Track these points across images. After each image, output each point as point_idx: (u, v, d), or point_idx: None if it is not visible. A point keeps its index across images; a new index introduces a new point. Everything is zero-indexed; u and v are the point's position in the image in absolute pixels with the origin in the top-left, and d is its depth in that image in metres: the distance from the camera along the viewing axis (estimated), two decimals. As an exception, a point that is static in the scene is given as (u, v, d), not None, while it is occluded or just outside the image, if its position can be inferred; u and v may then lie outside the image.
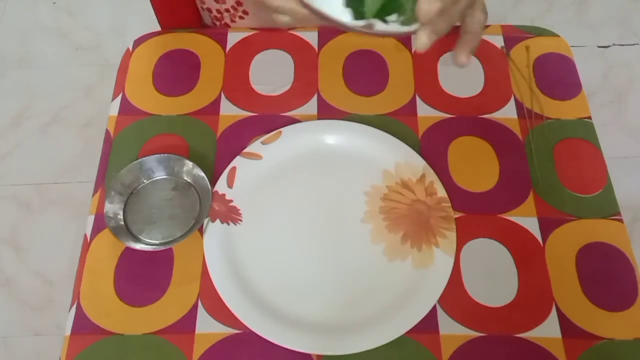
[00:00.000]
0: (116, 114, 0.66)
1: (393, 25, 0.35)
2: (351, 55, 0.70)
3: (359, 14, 0.34)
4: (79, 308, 0.55)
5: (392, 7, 0.34)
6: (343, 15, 0.34)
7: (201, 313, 0.54)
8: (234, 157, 0.62)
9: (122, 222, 0.58)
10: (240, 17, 0.77)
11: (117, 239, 0.56)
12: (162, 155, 0.61)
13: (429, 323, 0.53)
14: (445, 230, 0.57)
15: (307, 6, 0.37)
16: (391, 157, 0.62)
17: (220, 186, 0.60)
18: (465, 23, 0.45)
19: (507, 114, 0.66)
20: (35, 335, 1.24)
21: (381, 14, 0.34)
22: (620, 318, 0.54)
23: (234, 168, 0.61)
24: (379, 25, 0.34)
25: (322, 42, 0.71)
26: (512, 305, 0.55)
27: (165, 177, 0.61)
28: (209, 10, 0.79)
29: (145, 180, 0.60)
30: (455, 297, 0.55)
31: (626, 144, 1.44)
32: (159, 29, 0.76)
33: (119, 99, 0.67)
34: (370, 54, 0.70)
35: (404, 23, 0.35)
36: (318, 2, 0.35)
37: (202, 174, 0.59)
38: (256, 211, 0.59)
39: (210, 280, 0.55)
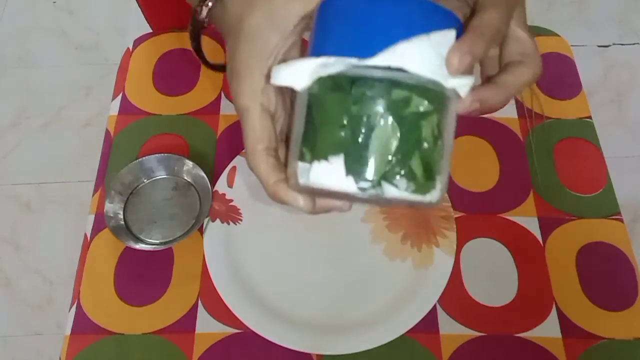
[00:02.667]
0: (116, 113, 0.66)
1: (404, 193, 0.31)
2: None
3: (363, 180, 0.30)
4: (79, 307, 0.55)
5: (399, 169, 0.31)
6: (347, 184, 0.31)
7: (201, 313, 0.54)
8: (234, 157, 0.62)
9: (122, 222, 0.58)
10: None
11: (117, 238, 0.56)
12: (162, 154, 0.61)
13: (429, 323, 0.53)
14: (445, 230, 0.57)
15: (307, 190, 0.34)
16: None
17: (221, 186, 0.60)
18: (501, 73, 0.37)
19: (507, 113, 0.66)
20: (35, 334, 1.24)
21: (389, 177, 0.31)
22: (620, 318, 0.54)
23: (234, 168, 0.61)
24: (389, 190, 0.30)
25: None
26: (512, 305, 0.55)
27: (165, 176, 0.61)
28: None
29: (145, 180, 0.60)
30: (455, 297, 0.55)
31: (626, 143, 1.44)
32: (159, 28, 0.76)
33: (119, 98, 0.67)
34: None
35: (415, 192, 0.31)
36: (317, 179, 0.32)
37: (202, 173, 0.59)
38: (256, 211, 0.59)
39: (210, 279, 0.55)
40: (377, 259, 0.57)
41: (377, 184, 0.31)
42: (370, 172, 0.31)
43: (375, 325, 0.53)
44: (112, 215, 0.58)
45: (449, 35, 0.31)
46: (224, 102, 0.67)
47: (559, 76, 0.69)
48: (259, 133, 0.36)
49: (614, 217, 0.59)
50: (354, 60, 0.30)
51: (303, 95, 0.33)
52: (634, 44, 1.61)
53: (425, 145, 0.31)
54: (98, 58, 1.60)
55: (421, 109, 0.31)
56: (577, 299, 0.55)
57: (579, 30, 1.62)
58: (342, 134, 0.31)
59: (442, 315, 0.54)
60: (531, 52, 0.37)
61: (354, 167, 0.31)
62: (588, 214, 0.60)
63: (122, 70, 0.70)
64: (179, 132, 0.65)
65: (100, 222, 0.59)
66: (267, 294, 0.55)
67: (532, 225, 0.59)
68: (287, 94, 0.38)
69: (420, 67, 0.30)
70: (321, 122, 0.32)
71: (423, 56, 0.30)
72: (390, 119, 0.30)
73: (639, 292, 0.56)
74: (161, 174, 0.61)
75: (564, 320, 0.54)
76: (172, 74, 0.69)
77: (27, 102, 1.52)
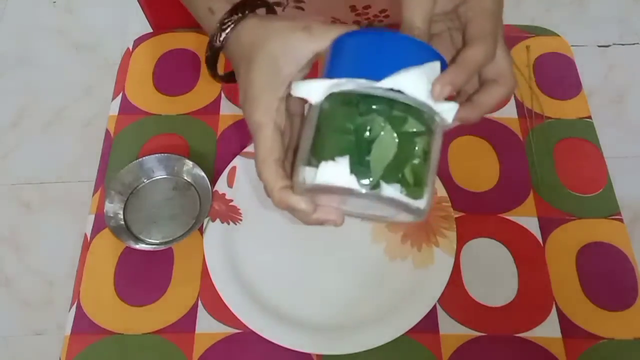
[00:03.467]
0: (116, 113, 0.66)
1: (398, 194, 0.36)
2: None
3: (364, 178, 0.36)
4: (79, 307, 0.55)
5: (395, 173, 0.36)
6: (350, 182, 0.36)
7: (201, 312, 0.54)
8: (234, 157, 0.62)
9: (122, 222, 0.58)
10: None
11: (117, 238, 0.56)
12: (162, 154, 0.61)
13: (429, 323, 0.53)
14: (445, 230, 0.57)
15: (311, 191, 0.39)
16: (391, 157, 0.62)
17: (221, 186, 0.60)
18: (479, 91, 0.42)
19: (507, 113, 0.66)
20: (36, 334, 1.24)
21: (386, 179, 0.36)
22: (621, 318, 0.54)
23: (234, 168, 0.61)
24: (386, 190, 0.35)
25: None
26: (512, 305, 0.55)
27: (165, 176, 0.61)
28: None
29: (145, 180, 0.60)
30: (455, 297, 0.55)
31: (626, 143, 1.44)
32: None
33: (119, 98, 0.67)
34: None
35: (407, 195, 0.36)
36: (324, 178, 0.37)
37: (202, 173, 0.59)
38: (256, 211, 0.59)
39: (210, 279, 0.55)
40: (377, 258, 0.57)
41: (376, 183, 0.36)
42: (371, 172, 0.36)
43: (375, 325, 0.53)
44: (112, 215, 0.58)
45: (436, 67, 0.37)
46: (224, 102, 0.67)
47: (559, 76, 0.69)
48: (270, 146, 0.40)
49: (613, 217, 0.59)
50: (363, 81, 0.36)
51: (315, 108, 0.39)
52: (634, 44, 1.61)
53: (417, 160, 0.37)
54: (98, 58, 1.60)
55: (415, 129, 0.37)
56: (577, 299, 0.55)
57: (579, 30, 1.62)
58: (348, 138, 0.36)
59: (442, 315, 0.54)
60: (505, 71, 0.41)
61: (357, 167, 0.36)
62: (588, 214, 0.60)
63: (122, 70, 0.70)
64: (179, 132, 0.65)
65: (100, 222, 0.59)
66: (267, 293, 0.55)
67: (532, 225, 0.59)
68: (296, 117, 0.44)
69: (415, 91, 0.36)
70: (330, 130, 0.38)
71: (417, 83, 0.36)
72: (390, 131, 0.36)
73: (639, 292, 0.56)
74: (161, 174, 0.61)
75: (564, 320, 0.54)
76: (172, 74, 0.69)
77: (28, 102, 1.53)
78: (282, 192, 0.40)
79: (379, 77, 0.36)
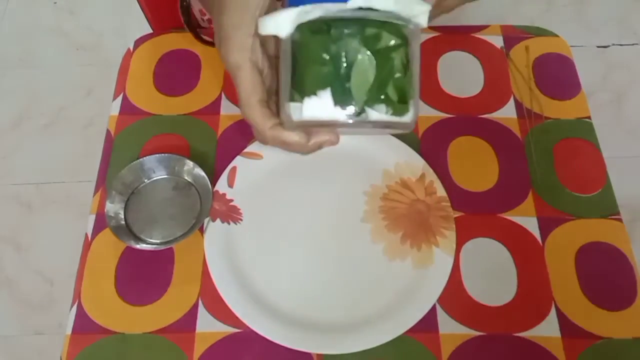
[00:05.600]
0: (117, 113, 0.66)
1: (384, 116, 0.36)
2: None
3: (349, 107, 0.36)
4: (79, 307, 0.55)
5: (378, 95, 0.36)
6: (336, 113, 0.36)
7: (202, 312, 0.55)
8: (235, 157, 0.62)
9: (123, 222, 0.58)
10: None
11: (117, 238, 0.56)
12: (163, 154, 0.61)
13: (428, 322, 0.54)
14: (444, 230, 0.58)
15: (301, 125, 0.39)
16: (391, 157, 0.62)
17: (221, 186, 0.60)
18: None
19: (506, 113, 0.66)
20: (36, 334, 1.24)
21: (370, 103, 0.36)
22: (620, 317, 0.55)
23: (234, 168, 0.61)
24: (372, 114, 0.36)
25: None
26: (511, 304, 0.55)
27: (165, 176, 0.61)
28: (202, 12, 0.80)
29: (145, 180, 0.61)
30: (454, 297, 0.55)
31: (626, 143, 1.45)
32: (159, 29, 0.76)
33: (119, 98, 0.67)
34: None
35: (393, 114, 0.36)
36: (310, 113, 0.37)
37: (203, 173, 0.59)
38: (257, 211, 0.60)
39: (211, 279, 0.55)
40: (376, 259, 0.57)
41: (361, 109, 0.36)
42: (354, 100, 0.36)
43: (375, 325, 0.53)
44: (112, 215, 0.58)
45: None
46: (225, 102, 0.67)
47: (559, 76, 0.69)
48: (251, 86, 0.40)
49: (613, 217, 0.60)
50: (330, 6, 0.35)
51: (287, 42, 0.38)
52: (633, 44, 1.61)
53: (398, 74, 0.36)
54: (99, 58, 1.60)
55: (391, 42, 0.36)
56: (576, 299, 0.55)
57: (579, 31, 1.62)
58: (326, 70, 0.36)
59: (441, 315, 0.54)
60: None
61: (341, 98, 0.36)
62: (587, 214, 0.60)
63: (123, 70, 0.70)
64: (180, 132, 0.65)
65: (101, 222, 0.59)
66: (268, 293, 0.55)
67: (531, 225, 0.59)
68: (272, 53, 0.43)
69: (383, 3, 0.36)
70: (306, 63, 0.37)
71: None
72: (366, 53, 0.36)
73: (637, 292, 0.56)
74: (162, 174, 0.61)
75: (563, 320, 0.54)
76: (173, 74, 0.69)
77: (28, 102, 1.53)
78: (273, 131, 0.40)
79: None
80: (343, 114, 0.36)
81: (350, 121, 0.36)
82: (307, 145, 0.41)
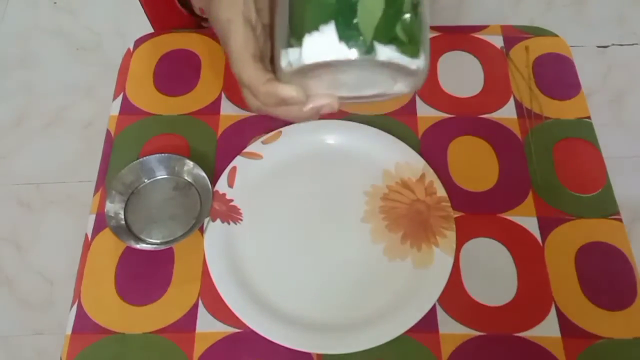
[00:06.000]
0: (117, 113, 0.66)
1: (395, 54, 0.33)
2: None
3: (355, 42, 0.32)
4: (79, 307, 0.55)
5: (387, 32, 0.32)
6: (341, 51, 0.32)
7: (202, 312, 0.55)
8: (235, 157, 0.62)
9: (123, 222, 0.58)
10: None
11: (117, 238, 0.56)
12: (163, 155, 0.61)
13: (428, 322, 0.54)
14: (444, 230, 0.58)
15: (299, 74, 0.35)
16: (391, 157, 0.62)
17: (221, 186, 0.60)
18: None
19: (506, 113, 0.66)
20: (36, 334, 1.24)
21: (380, 39, 0.32)
22: (620, 317, 0.55)
23: (234, 168, 0.61)
24: (382, 52, 0.32)
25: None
26: (511, 304, 0.55)
27: (165, 176, 0.61)
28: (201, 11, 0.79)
29: (145, 180, 0.61)
30: (454, 297, 0.55)
31: (626, 143, 1.45)
32: (159, 29, 0.76)
33: (119, 98, 0.67)
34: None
35: (404, 53, 0.33)
36: (311, 54, 0.33)
37: (203, 173, 0.59)
38: (257, 211, 0.60)
39: (211, 279, 0.55)
40: (376, 259, 0.57)
41: (369, 46, 0.32)
42: (361, 34, 0.32)
43: (375, 325, 0.53)
44: (112, 215, 0.58)
45: None
46: (225, 102, 0.67)
47: (558, 77, 0.69)
48: (244, 40, 0.37)
49: (613, 217, 0.60)
50: None
51: None
52: (633, 44, 1.61)
53: (407, 15, 0.33)
54: (99, 58, 1.60)
55: None
56: (576, 299, 0.55)
57: (578, 31, 1.62)
58: (330, 2, 0.32)
59: (441, 315, 0.54)
60: None
61: (346, 32, 0.32)
62: (587, 214, 0.60)
63: (123, 70, 0.70)
64: (180, 132, 0.65)
65: (101, 222, 0.59)
66: (268, 293, 0.55)
67: (531, 225, 0.59)
68: (266, 22, 0.40)
69: None
70: None
71: None
72: None
73: (637, 292, 0.56)
74: (162, 174, 0.61)
75: (563, 320, 0.54)
76: (173, 75, 0.69)
77: (28, 102, 1.53)
78: (268, 85, 0.36)
79: None
80: (348, 52, 0.32)
81: (358, 57, 0.32)
82: (305, 109, 0.38)
